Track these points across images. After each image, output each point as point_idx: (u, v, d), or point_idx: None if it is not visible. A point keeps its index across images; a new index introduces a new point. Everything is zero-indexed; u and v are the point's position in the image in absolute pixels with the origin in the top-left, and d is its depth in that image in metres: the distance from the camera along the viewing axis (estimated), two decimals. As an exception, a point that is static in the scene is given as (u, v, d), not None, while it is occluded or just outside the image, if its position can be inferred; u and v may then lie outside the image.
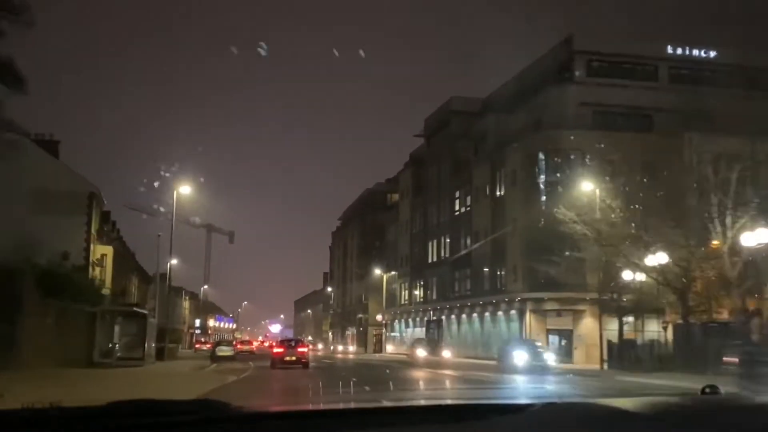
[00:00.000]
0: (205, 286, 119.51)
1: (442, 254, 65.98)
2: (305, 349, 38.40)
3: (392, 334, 78.19)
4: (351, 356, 69.66)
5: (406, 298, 74.87)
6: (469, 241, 60.10)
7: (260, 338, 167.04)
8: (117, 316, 32.90)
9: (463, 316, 60.15)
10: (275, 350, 38.11)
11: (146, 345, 34.78)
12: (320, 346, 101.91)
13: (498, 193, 55.32)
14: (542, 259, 48.58)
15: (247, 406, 2.13)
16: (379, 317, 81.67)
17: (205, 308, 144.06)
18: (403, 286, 75.95)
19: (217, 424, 1.84)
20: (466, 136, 61.66)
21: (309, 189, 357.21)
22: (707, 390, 2.09)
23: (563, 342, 49.02)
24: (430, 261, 68.64)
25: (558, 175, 48.54)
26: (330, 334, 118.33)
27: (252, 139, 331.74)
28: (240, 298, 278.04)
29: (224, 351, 51.64)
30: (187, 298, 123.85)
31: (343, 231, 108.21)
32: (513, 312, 51.49)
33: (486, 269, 56.77)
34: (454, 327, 62.15)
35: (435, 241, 67.61)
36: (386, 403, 2.96)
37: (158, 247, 43.40)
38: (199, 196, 40.40)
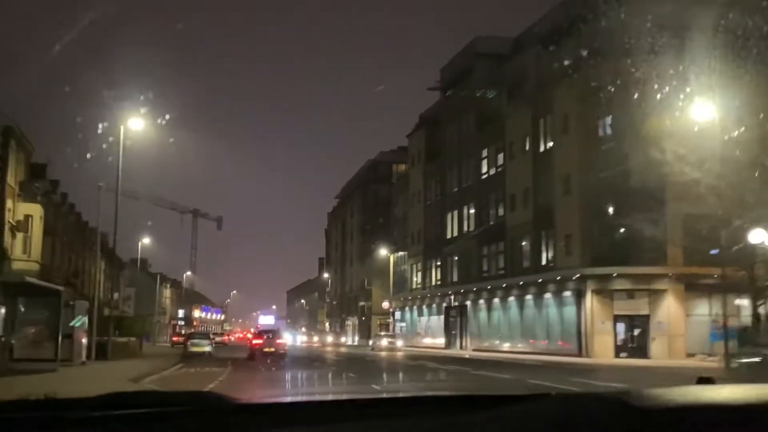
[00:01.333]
0: (188, 273, 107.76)
1: (465, 227, 54.89)
2: (283, 341, 40.37)
3: (401, 323, 67.16)
4: (343, 349, 58.61)
5: (419, 281, 63.77)
6: (501, 209, 48.99)
7: (252, 330, 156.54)
8: (17, 295, 21.57)
9: (495, 300, 49.07)
10: (254, 342, 38.48)
11: (74, 339, 23.68)
12: (316, 338, 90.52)
13: (542, 145, 44.22)
14: (609, 224, 37.64)
15: (244, 398, 2.11)
16: (385, 304, 70.58)
17: (190, 298, 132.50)
18: (414, 267, 64.84)
19: (212, 415, 1.81)
20: (495, 83, 50.48)
21: (303, 170, 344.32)
22: (702, 381, 1.95)
23: (635, 331, 38.08)
24: (449, 236, 57.57)
25: (629, 113, 37.47)
26: (327, 324, 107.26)
27: (241, 121, 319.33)
28: (229, 288, 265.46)
29: (199, 346, 40.56)
30: (169, 285, 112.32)
31: (341, 209, 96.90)
32: (567, 294, 40.44)
33: (525, 242, 45.70)
34: (483, 314, 51.08)
35: (455, 213, 56.50)
36: (382, 395, 2.68)
37: (99, 200, 32.42)
38: (161, 135, 28.66)
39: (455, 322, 55.74)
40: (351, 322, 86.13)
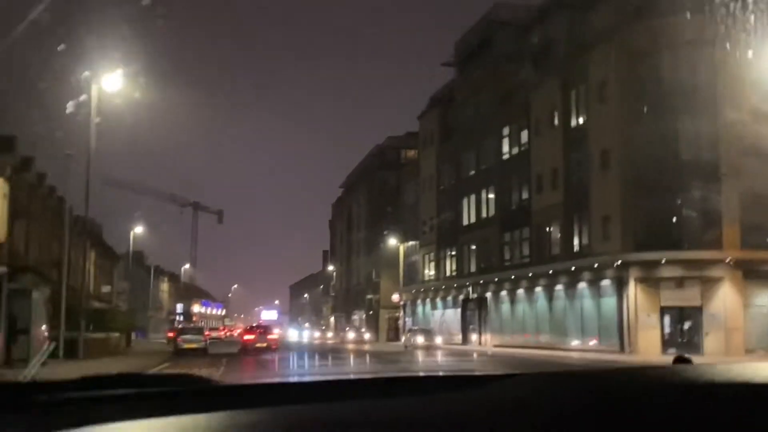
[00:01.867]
0: (187, 266, 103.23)
1: (484, 213, 50.52)
2: (275, 336, 40.11)
3: (410, 317, 62.80)
4: (366, 347, 54.02)
5: (432, 272, 59.40)
6: (526, 192, 44.61)
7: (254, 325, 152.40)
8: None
9: (519, 291, 44.73)
10: (246, 337, 38.37)
11: (32, 335, 19.33)
12: (316, 333, 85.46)
13: (574, 119, 39.83)
14: (655, 204, 33.29)
15: (230, 381, 2.07)
16: (395, 297, 66.20)
17: (190, 292, 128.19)
18: (427, 257, 60.47)
19: (194, 396, 1.75)
20: (517, 54, 45.99)
21: (306, 161, 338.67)
22: (679, 360, 1.99)
23: (685, 325, 33.73)
24: (465, 223, 53.22)
25: (677, 77, 33.11)
26: (332, 319, 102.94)
27: (243, 109, 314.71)
28: (231, 283, 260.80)
29: (191, 342, 36.28)
30: (166, 279, 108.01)
31: (347, 199, 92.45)
32: (605, 283, 36.05)
33: (554, 227, 41.34)
34: (505, 307, 46.73)
35: (473, 197, 52.11)
36: (363, 376, 3.19)
37: (68, 168, 28.05)
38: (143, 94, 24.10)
39: (473, 316, 51.42)
40: (358, 316, 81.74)
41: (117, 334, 37.76)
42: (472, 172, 52.33)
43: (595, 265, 35.96)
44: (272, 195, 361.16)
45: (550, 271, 40.38)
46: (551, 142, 41.30)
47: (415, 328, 51.94)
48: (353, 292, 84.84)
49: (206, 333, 38.64)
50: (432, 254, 59.25)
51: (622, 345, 33.95)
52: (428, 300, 59.40)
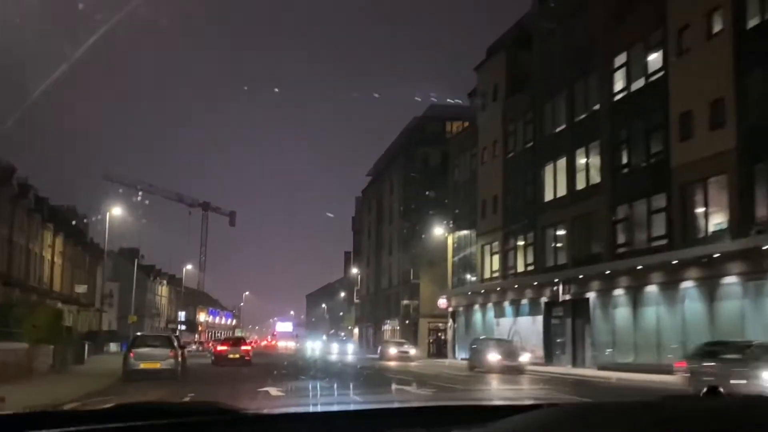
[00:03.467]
0: (189, 266, 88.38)
1: (581, 182, 36.23)
2: (248, 348, 39.47)
3: (464, 328, 48.46)
4: (413, 365, 39.10)
5: (496, 267, 45.02)
6: (658, 142, 30.28)
7: (269, 338, 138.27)
8: None
9: (648, 289, 30.25)
10: (219, 348, 38.76)
11: None
12: (351, 347, 68.24)
13: (756, 16, 25.56)
14: None
15: (245, 408, 2.08)
16: (441, 303, 51.81)
17: (196, 298, 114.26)
18: (488, 249, 46.14)
19: (217, 426, 1.81)
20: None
21: (324, 158, 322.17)
22: (708, 391, 1.91)
23: None
24: (548, 198, 38.99)
25: None
26: (355, 331, 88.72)
27: (253, 105, 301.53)
28: (241, 291, 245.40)
29: (150, 360, 22.24)
30: (165, 282, 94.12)
31: (376, 187, 78.17)
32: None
33: (715, 189, 26.95)
34: (621, 312, 32.23)
35: (561, 162, 37.86)
36: (384, 405, 3.10)
37: None
38: None
39: (562, 326, 37.05)
40: (390, 326, 67.39)
41: (39, 345, 23.72)
42: (561, 127, 38.08)
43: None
44: (287, 197, 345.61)
45: (716, 255, 25.85)
46: (709, 58, 27.00)
47: (485, 338, 37.13)
48: (383, 297, 70.45)
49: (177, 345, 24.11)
50: (496, 244, 44.91)
51: None
52: (490, 305, 45.00)
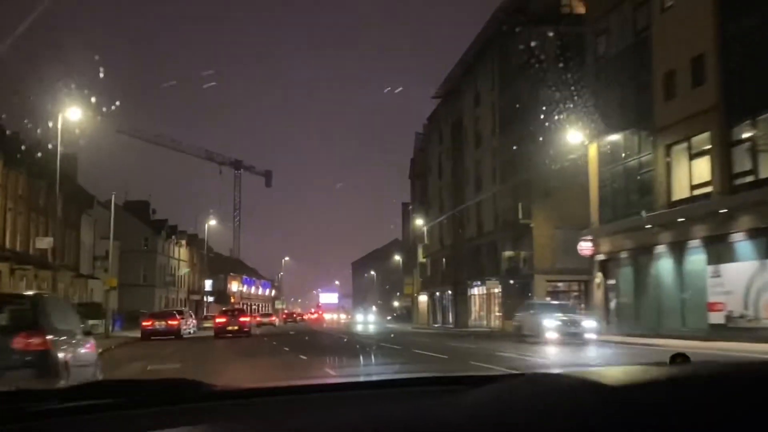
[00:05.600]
0: (212, 221, 70.14)
1: None
2: (246, 319, 39.52)
3: (628, 285, 30.00)
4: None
5: (702, 178, 26.25)
6: None
7: (312, 310, 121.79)
8: None
9: None
10: (218, 320, 38.99)
11: None
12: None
13: None
14: None
15: (224, 385, 2.05)
16: (584, 247, 33.21)
17: (225, 265, 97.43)
18: (682, 150, 27.41)
19: (192, 402, 1.78)
20: None
21: (373, 100, 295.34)
22: (678, 359, 1.91)
23: None
24: None
25: None
26: (421, 298, 70.82)
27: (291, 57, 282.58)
28: (281, 260, 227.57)
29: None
30: (185, 243, 76.97)
31: (450, 107, 59.15)
32: None
33: None
34: None
35: None
36: (358, 379, 3.23)
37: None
38: None
39: None
40: (481, 289, 49.10)
41: None
42: None
43: None
44: (327, 153, 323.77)
45: None
46: None
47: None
48: (470, 250, 51.84)
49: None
50: (703, 137, 26.09)
51: None
52: (694, 243, 26.36)
